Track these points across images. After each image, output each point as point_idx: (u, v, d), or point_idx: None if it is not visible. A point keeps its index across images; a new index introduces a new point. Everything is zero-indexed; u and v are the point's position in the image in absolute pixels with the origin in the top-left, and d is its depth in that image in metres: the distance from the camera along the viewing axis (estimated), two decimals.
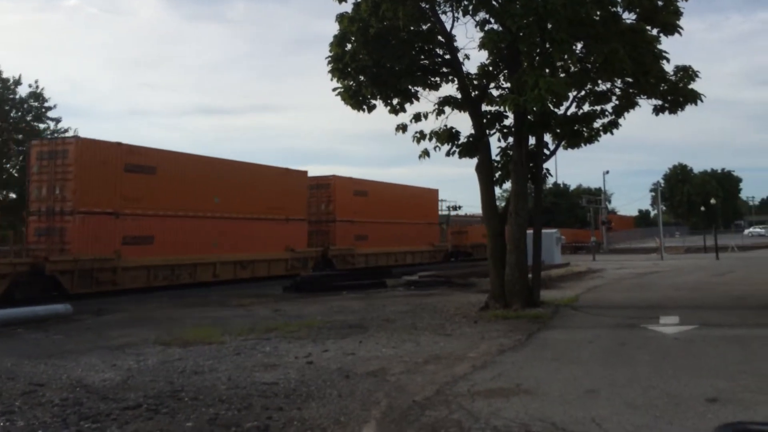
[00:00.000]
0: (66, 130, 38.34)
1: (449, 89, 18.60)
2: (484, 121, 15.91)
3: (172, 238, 22.42)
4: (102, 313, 15.94)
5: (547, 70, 13.31)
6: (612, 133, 16.33)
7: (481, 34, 14.34)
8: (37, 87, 38.16)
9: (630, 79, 15.14)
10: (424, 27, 15.35)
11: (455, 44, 15.45)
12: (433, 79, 16.03)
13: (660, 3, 14.28)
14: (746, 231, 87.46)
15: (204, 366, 9.04)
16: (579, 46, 14.52)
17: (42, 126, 38.33)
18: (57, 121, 39.24)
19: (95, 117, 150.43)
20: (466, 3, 14.56)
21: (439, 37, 15.46)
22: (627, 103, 16.01)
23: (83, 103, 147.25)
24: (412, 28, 14.97)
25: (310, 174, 31.22)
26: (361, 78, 15.21)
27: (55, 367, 9.12)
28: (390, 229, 35.04)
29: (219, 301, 18.93)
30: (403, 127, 15.90)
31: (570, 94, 14.78)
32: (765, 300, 16.25)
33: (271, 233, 26.81)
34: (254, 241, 25.87)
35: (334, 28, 14.93)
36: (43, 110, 38.45)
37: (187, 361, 9.45)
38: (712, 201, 68.57)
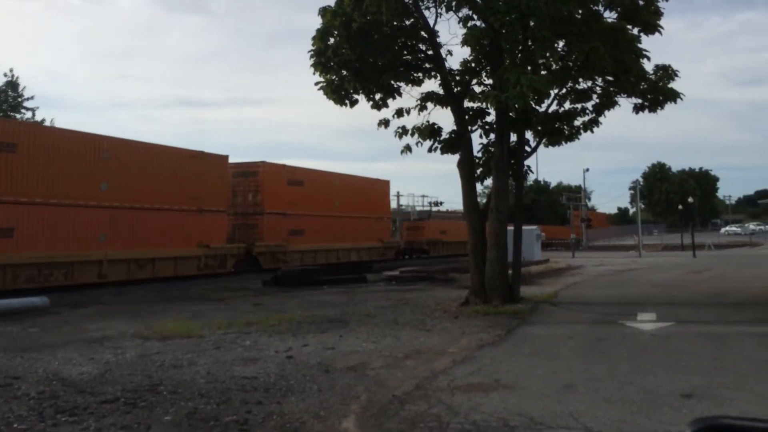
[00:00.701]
0: (43, 120, 37.85)
1: (432, 85, 18.72)
2: (466, 117, 15.95)
3: (41, 231, 18.83)
4: (79, 306, 15.77)
5: (529, 68, 13.37)
6: (592, 131, 16.50)
7: (464, 31, 14.46)
8: (12, 76, 37.63)
9: (611, 78, 15.28)
10: (407, 22, 15.37)
11: (438, 40, 15.48)
12: (415, 74, 16.03)
13: (641, 2, 14.42)
14: (723, 230, 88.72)
15: (183, 360, 8.98)
16: (561, 44, 14.62)
17: (18, 116, 37.79)
18: (33, 111, 38.71)
19: (73, 107, 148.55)
20: None
21: (422, 33, 15.47)
22: (607, 102, 16.15)
23: (61, 93, 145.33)
24: (395, 23, 14.97)
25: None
26: (344, 72, 15.19)
27: (32, 360, 9.01)
28: (331, 224, 31.35)
29: (199, 294, 18.82)
30: (385, 122, 15.91)
31: (551, 92, 14.86)
32: (740, 297, 16.50)
33: (179, 226, 23.18)
34: (156, 235, 22.23)
35: (317, 22, 14.91)
36: (20, 100, 37.91)
37: (165, 354, 9.38)
38: (690, 200, 69.52)
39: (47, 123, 36.08)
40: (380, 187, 37.73)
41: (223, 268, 25.07)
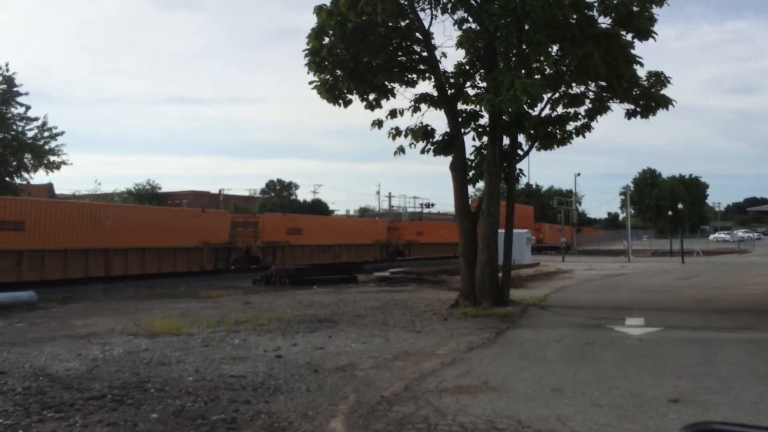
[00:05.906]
0: (36, 118, 37.53)
1: (426, 86, 18.69)
2: (460, 119, 15.98)
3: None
4: (67, 302, 15.69)
5: (523, 71, 13.41)
6: (584, 136, 16.50)
7: (459, 33, 14.44)
8: (7, 70, 37.28)
9: (604, 83, 15.33)
10: (403, 23, 15.37)
11: (433, 42, 15.50)
12: (409, 75, 16.05)
13: (635, 8, 14.48)
14: (711, 236, 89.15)
15: (171, 357, 8.95)
16: (555, 48, 14.65)
17: (13, 111, 37.47)
18: (27, 107, 38.39)
19: (63, 102, 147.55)
20: (444, 1, 14.61)
21: (417, 34, 15.48)
22: (600, 107, 16.20)
23: (51, 87, 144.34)
24: (390, 23, 14.98)
25: None
26: (338, 72, 15.18)
27: (18, 355, 8.96)
28: None
29: (188, 292, 18.75)
30: (378, 123, 15.91)
31: (545, 96, 14.90)
32: (727, 304, 16.60)
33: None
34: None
35: (312, 21, 14.92)
36: (12, 95, 37.60)
37: (153, 352, 9.35)
38: (680, 206, 69.77)
39: (40, 120, 35.77)
40: None
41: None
